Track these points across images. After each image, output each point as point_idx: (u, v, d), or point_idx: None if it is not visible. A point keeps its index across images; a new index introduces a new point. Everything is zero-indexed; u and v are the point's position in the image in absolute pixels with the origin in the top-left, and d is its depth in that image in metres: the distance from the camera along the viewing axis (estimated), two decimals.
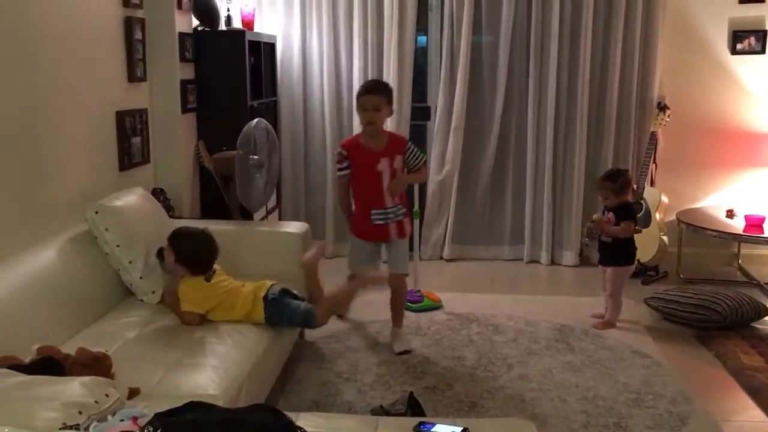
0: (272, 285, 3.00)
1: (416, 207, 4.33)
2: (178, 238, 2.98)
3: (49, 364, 2.02)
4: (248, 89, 4.48)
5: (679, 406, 3.04)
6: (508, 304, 4.30)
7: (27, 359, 2.08)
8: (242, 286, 2.97)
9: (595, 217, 3.98)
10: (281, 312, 2.95)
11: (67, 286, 2.72)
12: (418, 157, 3.56)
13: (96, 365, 2.12)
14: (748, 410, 3.08)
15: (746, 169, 5.06)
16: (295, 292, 3.10)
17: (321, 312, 3.06)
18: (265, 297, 2.93)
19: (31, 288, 2.52)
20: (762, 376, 3.31)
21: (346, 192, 3.64)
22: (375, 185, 3.47)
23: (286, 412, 1.76)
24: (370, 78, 5.08)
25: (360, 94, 3.46)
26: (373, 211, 3.52)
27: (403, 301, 3.77)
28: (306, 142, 5.30)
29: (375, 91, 3.42)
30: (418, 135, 5.31)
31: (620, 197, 3.86)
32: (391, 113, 3.52)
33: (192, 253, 2.94)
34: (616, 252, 3.91)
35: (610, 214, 3.87)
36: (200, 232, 3.02)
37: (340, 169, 3.57)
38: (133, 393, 2.15)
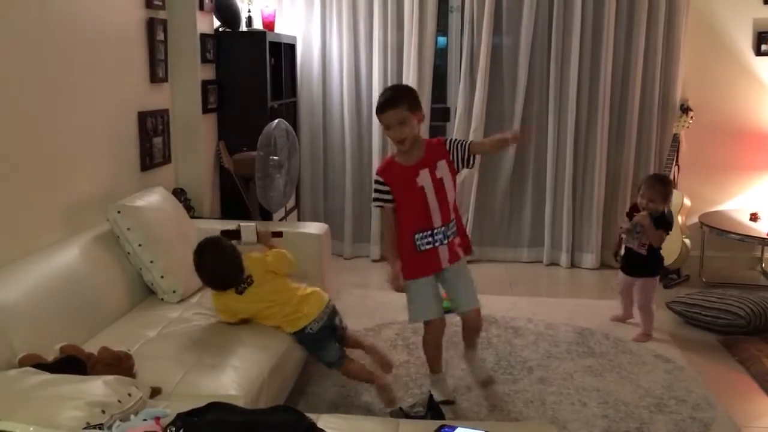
0: (320, 313, 2.84)
1: None
2: (199, 261, 2.84)
3: (72, 363, 2.04)
4: (268, 90, 4.49)
5: (702, 412, 3.00)
6: (528, 306, 4.28)
7: (50, 358, 2.10)
8: (290, 295, 2.84)
9: (642, 216, 3.68)
10: (311, 348, 2.89)
11: (89, 285, 2.74)
12: (463, 143, 2.88)
13: (118, 364, 2.13)
14: None
15: None
16: (340, 323, 2.97)
17: (352, 368, 2.93)
18: (303, 330, 2.81)
19: (54, 286, 2.54)
20: None
21: (391, 229, 2.94)
22: (418, 204, 2.84)
23: (306, 414, 1.76)
24: (389, 81, 5.08)
25: (378, 113, 2.81)
26: (417, 236, 2.87)
27: (478, 336, 3.22)
28: (325, 143, 5.31)
29: (392, 103, 2.75)
30: (438, 136, 5.29)
31: (665, 203, 3.69)
32: (422, 119, 2.84)
33: (211, 276, 2.83)
34: (647, 263, 3.77)
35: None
36: (221, 253, 2.82)
37: (378, 200, 2.89)
38: (155, 392, 2.16)
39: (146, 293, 3.10)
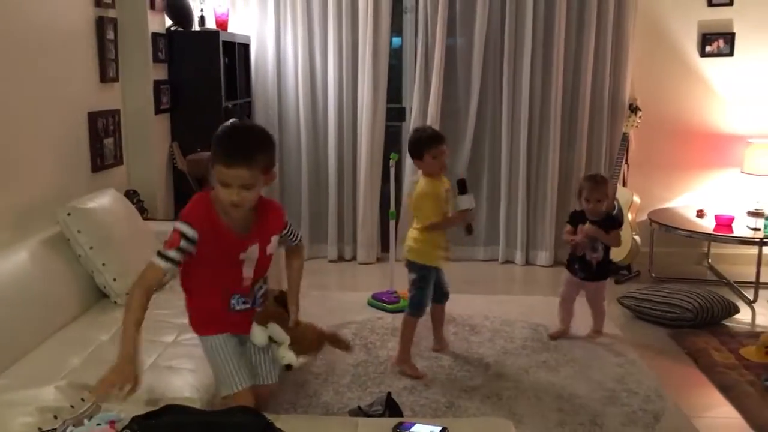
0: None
1: (392, 208, 4.33)
2: None
3: None
4: (222, 90, 4.45)
5: (653, 404, 3.08)
6: (484, 304, 4.33)
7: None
8: None
9: (592, 229, 3.59)
10: None
11: (40, 289, 2.67)
12: (293, 240, 2.37)
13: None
14: (720, 406, 3.14)
15: (715, 169, 5.15)
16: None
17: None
18: None
19: (3, 291, 2.47)
20: (733, 372, 3.36)
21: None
22: (230, 275, 2.19)
23: (265, 414, 1.75)
24: (345, 80, 5.08)
25: (222, 163, 1.98)
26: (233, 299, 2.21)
27: None
28: (281, 143, 5.27)
29: (247, 160, 1.98)
30: (394, 136, 5.33)
31: (609, 200, 3.69)
32: (273, 178, 2.12)
33: None
34: (604, 266, 3.73)
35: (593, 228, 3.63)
36: None
37: (169, 257, 2.05)
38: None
39: (99, 296, 3.04)
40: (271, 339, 2.20)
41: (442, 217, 3.36)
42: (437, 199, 3.34)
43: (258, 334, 2.19)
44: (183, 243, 2.00)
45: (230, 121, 2.48)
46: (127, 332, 1.93)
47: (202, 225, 2.03)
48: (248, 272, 2.17)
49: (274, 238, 2.23)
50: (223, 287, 2.17)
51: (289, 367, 2.20)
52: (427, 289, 3.43)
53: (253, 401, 2.15)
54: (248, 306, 2.21)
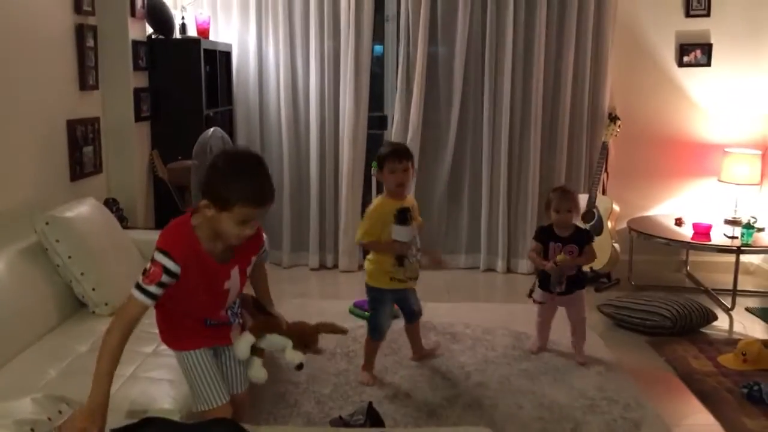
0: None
1: None
2: None
3: None
4: (203, 98, 4.44)
5: (633, 412, 3.10)
6: (465, 312, 4.34)
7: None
8: None
9: (559, 259, 3.44)
10: None
11: (17, 299, 2.64)
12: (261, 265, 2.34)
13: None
14: (698, 414, 3.16)
15: (693, 178, 5.22)
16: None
17: None
18: None
19: None
20: (711, 380, 3.40)
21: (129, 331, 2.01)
22: (213, 303, 2.15)
23: (245, 425, 1.74)
24: (326, 88, 5.08)
25: (257, 204, 1.92)
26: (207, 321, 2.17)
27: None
28: (262, 151, 5.25)
29: (272, 197, 1.97)
30: (376, 144, 5.32)
31: (579, 210, 3.56)
32: None
33: None
34: (579, 276, 3.61)
35: (572, 247, 3.49)
36: None
37: (149, 291, 1.94)
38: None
39: (77, 306, 3.01)
40: (254, 349, 2.18)
41: (373, 240, 3.20)
42: (379, 220, 3.19)
43: (243, 348, 2.16)
44: (165, 278, 1.89)
45: (222, 152, 2.18)
46: (103, 378, 1.82)
47: (185, 258, 1.91)
48: (231, 298, 2.13)
49: (254, 258, 2.18)
50: (200, 314, 2.11)
51: (300, 366, 2.21)
52: (381, 312, 3.34)
53: (230, 414, 2.12)
54: (223, 323, 2.17)
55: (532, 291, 3.67)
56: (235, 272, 2.08)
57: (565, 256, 3.44)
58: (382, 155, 3.23)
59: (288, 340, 2.20)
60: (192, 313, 2.10)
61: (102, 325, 2.82)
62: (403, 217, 3.14)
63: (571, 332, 3.68)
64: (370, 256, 3.34)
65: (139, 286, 1.90)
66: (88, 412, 1.77)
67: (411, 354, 3.64)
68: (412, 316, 3.51)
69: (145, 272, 1.91)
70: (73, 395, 2.12)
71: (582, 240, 3.52)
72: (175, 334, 2.15)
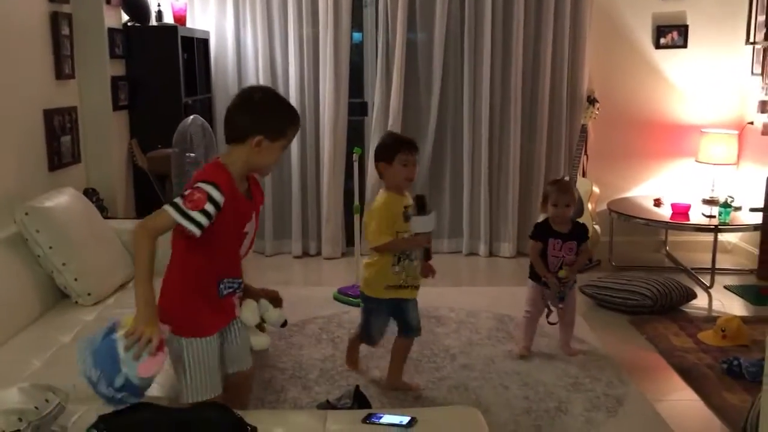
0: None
1: (356, 202, 4.34)
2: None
3: None
4: (182, 86, 4.40)
5: (615, 389, 3.14)
6: (450, 296, 4.36)
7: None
8: None
9: (561, 274, 3.34)
10: None
11: None
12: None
13: None
14: (680, 390, 3.22)
15: (671, 159, 5.27)
16: None
17: None
18: None
19: None
20: (691, 356, 3.46)
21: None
22: (234, 250, 2.18)
23: (238, 409, 1.75)
24: (306, 75, 5.06)
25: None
26: (222, 283, 2.14)
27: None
28: None
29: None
30: (356, 131, 5.33)
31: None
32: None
33: None
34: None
35: (572, 243, 3.36)
36: None
37: (198, 219, 1.95)
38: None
39: (59, 297, 2.99)
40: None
41: (392, 238, 2.92)
42: (390, 217, 2.92)
43: (250, 314, 2.22)
44: (208, 206, 1.90)
45: (249, 91, 2.21)
46: (144, 285, 1.89)
47: (228, 192, 1.97)
48: (244, 249, 2.17)
49: (261, 207, 2.24)
50: (218, 272, 2.11)
51: (285, 323, 2.33)
52: (372, 323, 3.08)
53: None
54: (233, 288, 2.16)
55: (548, 315, 3.49)
56: (252, 219, 2.15)
57: (568, 271, 3.35)
58: (391, 146, 2.96)
59: (267, 302, 2.28)
60: (214, 270, 2.09)
61: (85, 315, 2.83)
62: (423, 204, 2.94)
63: (560, 328, 3.53)
64: (370, 260, 3.02)
65: (177, 207, 1.91)
66: (143, 318, 1.84)
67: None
68: (409, 330, 3.14)
69: (182, 198, 1.92)
70: (59, 384, 2.11)
71: (581, 235, 3.40)
72: (190, 317, 2.08)
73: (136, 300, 1.88)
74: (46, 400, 1.77)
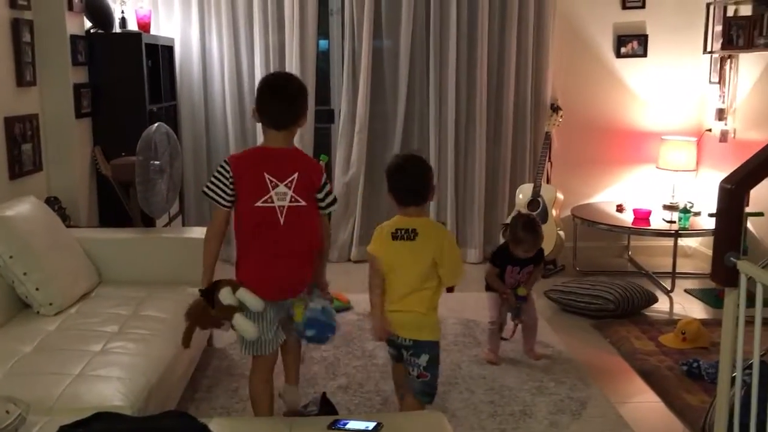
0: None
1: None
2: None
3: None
4: (146, 93, 4.37)
5: (579, 392, 3.19)
6: None
7: None
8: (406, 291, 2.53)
9: (520, 292, 3.45)
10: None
11: None
12: None
13: None
14: (642, 392, 3.28)
15: (633, 165, 5.38)
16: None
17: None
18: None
19: None
20: (653, 359, 3.52)
21: None
22: None
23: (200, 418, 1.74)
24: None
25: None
26: None
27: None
28: (208, 146, 5.21)
29: None
30: (323, 138, 5.34)
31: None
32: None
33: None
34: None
35: (530, 267, 3.47)
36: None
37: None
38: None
39: (20, 307, 2.94)
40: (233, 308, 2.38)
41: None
42: None
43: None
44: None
45: (298, 81, 2.61)
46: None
47: None
48: None
49: None
50: None
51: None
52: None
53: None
54: None
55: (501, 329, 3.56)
56: None
57: (525, 288, 3.44)
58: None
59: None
60: None
61: (47, 325, 2.79)
62: None
63: (523, 334, 3.58)
64: (432, 302, 2.61)
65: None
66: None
67: (362, 344, 3.65)
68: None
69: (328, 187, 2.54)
70: (21, 395, 2.09)
71: (538, 258, 3.48)
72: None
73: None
74: (7, 412, 1.75)
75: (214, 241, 2.52)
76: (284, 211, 2.40)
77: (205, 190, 2.45)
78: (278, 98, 2.43)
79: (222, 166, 2.44)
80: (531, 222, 3.43)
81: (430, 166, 2.64)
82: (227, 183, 2.42)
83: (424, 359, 2.54)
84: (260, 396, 2.59)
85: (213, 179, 2.43)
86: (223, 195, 2.43)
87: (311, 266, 2.53)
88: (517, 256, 3.44)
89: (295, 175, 2.42)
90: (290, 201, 2.41)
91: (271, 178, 2.39)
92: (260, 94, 2.46)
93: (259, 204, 2.40)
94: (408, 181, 2.57)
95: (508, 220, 3.93)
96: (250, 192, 2.40)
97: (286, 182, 2.41)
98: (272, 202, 2.40)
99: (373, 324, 2.61)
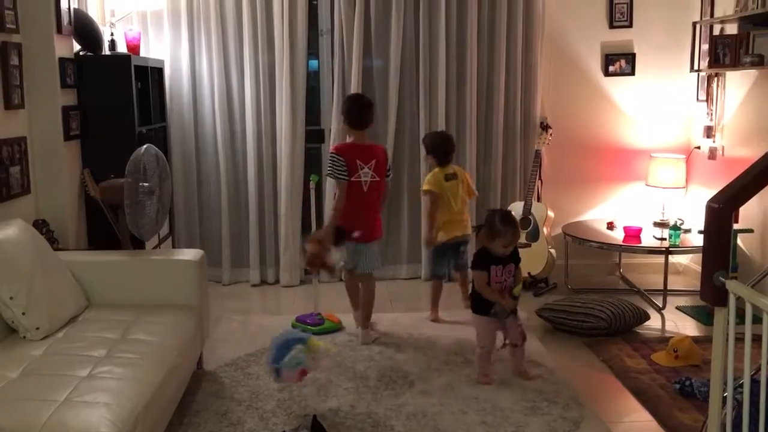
0: (457, 237, 4.38)
1: (314, 229, 4.33)
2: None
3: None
4: (136, 115, 4.36)
5: (572, 411, 3.17)
6: (408, 321, 4.37)
7: None
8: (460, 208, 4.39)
9: (517, 292, 3.50)
10: (433, 254, 4.61)
11: None
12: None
13: None
14: (635, 411, 3.26)
15: (622, 183, 5.40)
16: (464, 256, 4.55)
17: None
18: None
19: None
20: (645, 377, 3.51)
21: None
22: None
23: None
24: (262, 103, 5.07)
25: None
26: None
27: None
28: (198, 168, 5.21)
29: None
30: (314, 158, 5.34)
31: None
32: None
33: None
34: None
35: (511, 266, 3.48)
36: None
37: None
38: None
39: (7, 332, 2.90)
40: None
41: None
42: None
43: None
44: None
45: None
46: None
47: None
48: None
49: None
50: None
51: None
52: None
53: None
54: None
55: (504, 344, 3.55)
56: None
57: (518, 288, 3.51)
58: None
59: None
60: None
61: (33, 350, 2.76)
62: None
63: (511, 352, 3.54)
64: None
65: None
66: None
67: (353, 365, 3.62)
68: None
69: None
70: (5, 423, 2.06)
71: (515, 256, 3.51)
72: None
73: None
74: None
75: (342, 203, 3.86)
76: (367, 184, 3.89)
77: (329, 173, 3.91)
78: (363, 108, 3.96)
79: (334, 155, 3.86)
80: (507, 214, 3.55)
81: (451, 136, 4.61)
82: (342, 165, 3.82)
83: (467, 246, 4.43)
84: (352, 291, 4.24)
85: (331, 165, 3.85)
86: (342, 172, 3.82)
87: (379, 213, 4.14)
88: (497, 255, 3.43)
89: (373, 161, 3.90)
90: (371, 178, 3.89)
91: (360, 163, 3.86)
92: (350, 107, 3.97)
93: (353, 179, 3.85)
94: (449, 147, 4.44)
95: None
96: (350, 171, 3.84)
97: (368, 165, 3.89)
98: (360, 177, 3.86)
99: (426, 236, 4.49)
